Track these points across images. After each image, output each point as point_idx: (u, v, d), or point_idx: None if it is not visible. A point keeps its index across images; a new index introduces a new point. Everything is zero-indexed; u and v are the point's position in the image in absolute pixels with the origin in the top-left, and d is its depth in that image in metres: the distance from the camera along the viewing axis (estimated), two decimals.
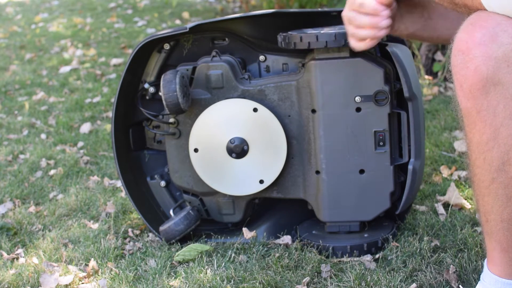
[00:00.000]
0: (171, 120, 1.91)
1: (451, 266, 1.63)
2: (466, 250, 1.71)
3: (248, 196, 1.91)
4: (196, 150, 1.88)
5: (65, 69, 4.27)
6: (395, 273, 1.64)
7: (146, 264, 1.80)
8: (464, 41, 1.21)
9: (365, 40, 1.53)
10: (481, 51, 1.19)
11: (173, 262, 1.80)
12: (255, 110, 1.83)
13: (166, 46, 1.92)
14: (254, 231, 1.90)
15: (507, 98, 1.20)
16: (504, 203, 1.25)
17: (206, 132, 1.86)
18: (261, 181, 1.86)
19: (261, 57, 1.91)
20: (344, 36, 1.70)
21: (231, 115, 1.85)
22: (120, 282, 1.70)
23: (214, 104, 1.85)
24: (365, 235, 1.83)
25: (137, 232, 2.01)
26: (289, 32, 1.79)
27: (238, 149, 1.85)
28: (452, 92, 1.49)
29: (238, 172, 1.87)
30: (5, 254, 1.92)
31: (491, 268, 1.34)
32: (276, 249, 1.81)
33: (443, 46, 3.35)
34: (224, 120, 1.85)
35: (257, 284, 1.63)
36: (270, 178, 1.86)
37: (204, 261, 1.77)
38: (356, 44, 1.56)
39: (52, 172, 2.56)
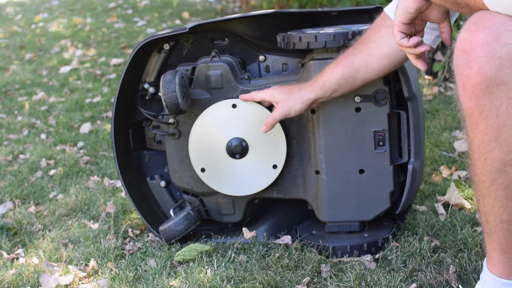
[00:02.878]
0: (171, 120, 1.91)
1: (451, 266, 1.63)
2: (466, 250, 1.71)
3: (249, 195, 1.91)
4: (203, 170, 1.88)
5: (65, 69, 4.27)
6: (395, 273, 1.64)
7: (146, 264, 1.80)
8: (468, 41, 1.21)
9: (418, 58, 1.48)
10: (484, 51, 1.18)
11: (173, 262, 1.80)
12: (233, 106, 1.83)
13: (166, 46, 1.92)
14: (254, 231, 1.89)
15: (510, 98, 1.19)
16: (504, 204, 1.25)
17: (204, 139, 1.86)
18: (275, 166, 1.86)
19: (261, 57, 1.91)
20: (343, 36, 1.70)
21: (219, 118, 1.84)
22: (120, 282, 1.70)
23: (205, 111, 1.85)
24: (365, 235, 1.83)
25: (137, 232, 2.01)
26: (289, 32, 1.79)
27: (238, 149, 1.85)
28: (454, 92, 1.48)
29: (249, 169, 1.87)
30: (5, 254, 1.92)
31: (491, 268, 1.34)
32: (276, 249, 1.81)
33: (443, 46, 3.35)
34: (215, 126, 1.85)
35: (257, 284, 1.63)
36: (281, 161, 1.85)
37: (204, 261, 1.77)
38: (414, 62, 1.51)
39: (52, 172, 2.56)
